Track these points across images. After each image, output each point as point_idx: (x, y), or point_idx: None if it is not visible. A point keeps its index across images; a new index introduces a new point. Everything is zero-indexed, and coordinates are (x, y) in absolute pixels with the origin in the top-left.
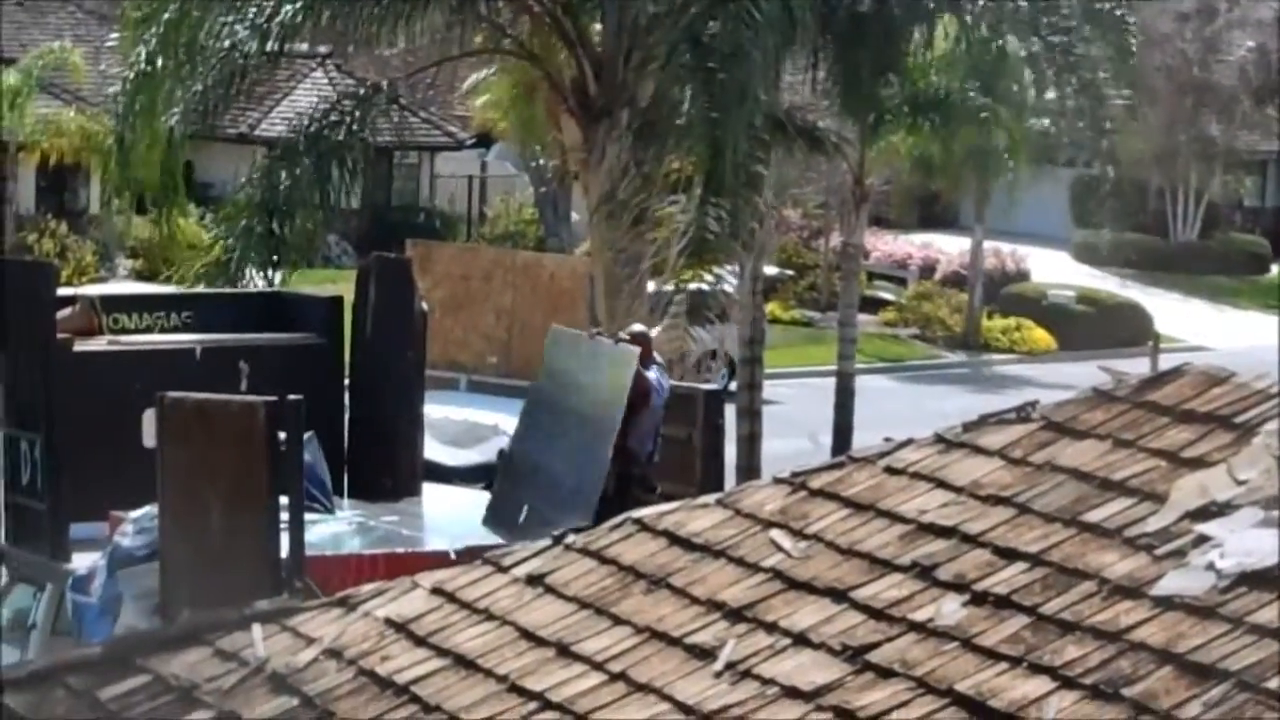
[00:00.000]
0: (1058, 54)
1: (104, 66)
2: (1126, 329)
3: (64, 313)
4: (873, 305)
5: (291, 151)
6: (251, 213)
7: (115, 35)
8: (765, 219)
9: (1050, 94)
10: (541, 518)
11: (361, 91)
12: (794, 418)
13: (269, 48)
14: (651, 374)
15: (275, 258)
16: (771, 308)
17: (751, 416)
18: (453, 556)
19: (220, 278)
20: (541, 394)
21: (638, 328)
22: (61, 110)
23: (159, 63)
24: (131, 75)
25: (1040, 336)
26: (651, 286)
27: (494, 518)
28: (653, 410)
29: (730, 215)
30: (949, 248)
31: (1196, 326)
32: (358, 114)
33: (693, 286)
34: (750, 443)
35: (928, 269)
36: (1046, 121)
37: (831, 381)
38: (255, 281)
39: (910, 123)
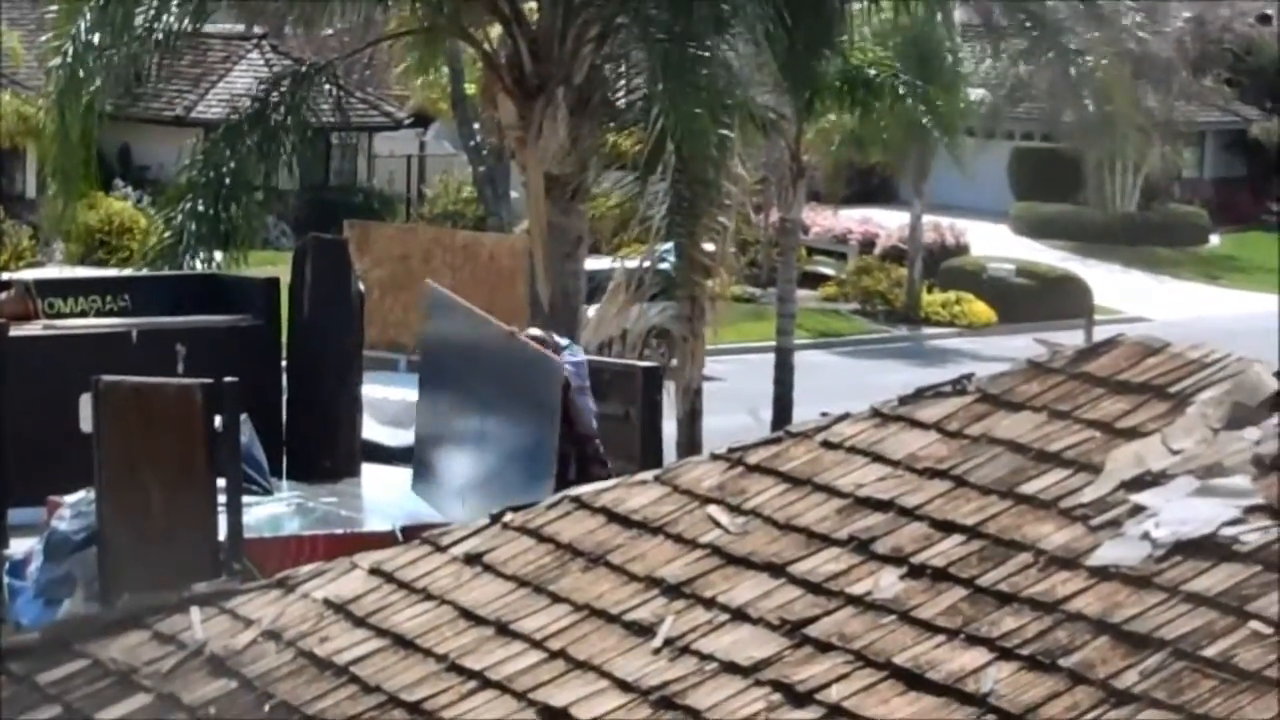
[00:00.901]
0: (1002, 22)
1: (39, 50)
2: (1066, 301)
3: None
4: (813, 280)
5: (234, 132)
6: (197, 194)
7: (52, 11)
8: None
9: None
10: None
11: (301, 71)
12: (734, 394)
13: (189, 26)
14: (566, 356)
15: (223, 239)
16: (710, 284)
17: (691, 393)
18: (398, 536)
19: (168, 261)
20: (443, 365)
21: (535, 332)
22: None
23: (94, 38)
24: (65, 53)
25: (980, 310)
26: (590, 264)
27: (427, 492)
28: (582, 389)
29: (693, 195)
30: (888, 222)
31: (1136, 298)
32: (297, 94)
33: (631, 264)
34: (691, 419)
35: (867, 244)
36: (981, 93)
37: (772, 357)
38: (203, 264)
39: (846, 98)
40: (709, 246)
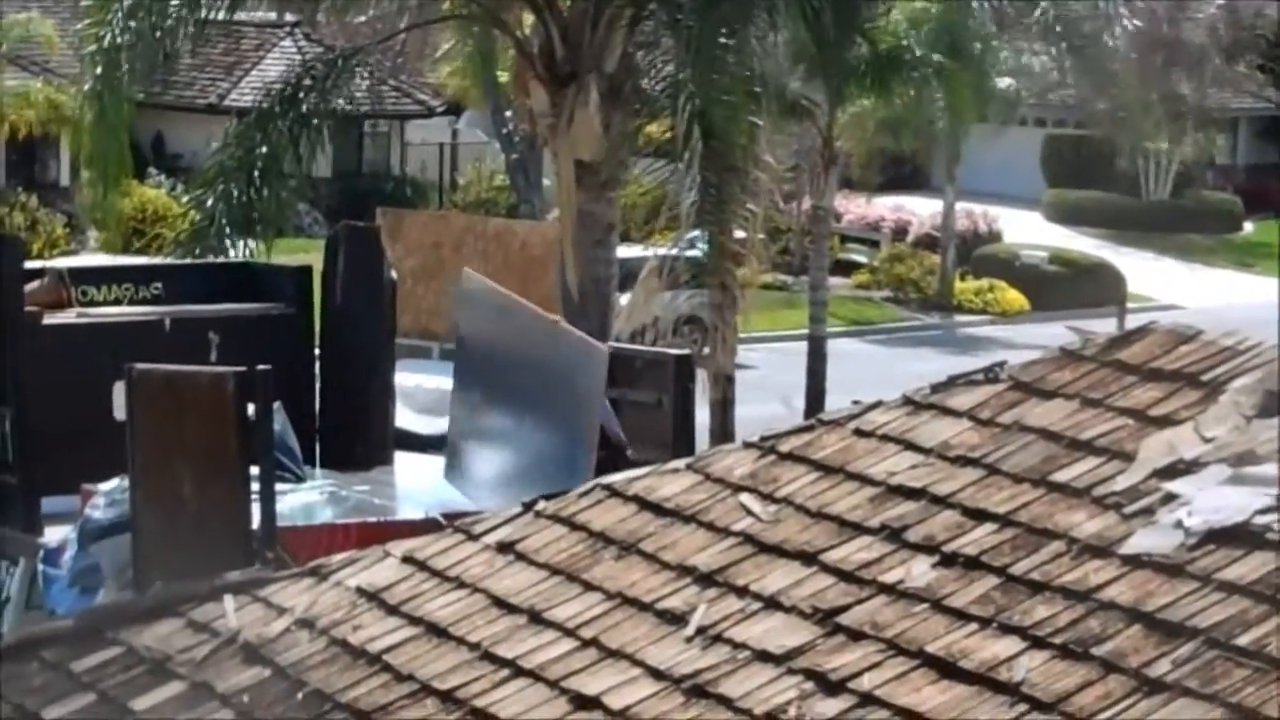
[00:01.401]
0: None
1: (72, 38)
2: (1099, 289)
3: (32, 286)
4: (845, 268)
5: (267, 117)
6: (228, 179)
7: (86, 2)
8: (754, 185)
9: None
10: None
11: (334, 57)
12: (767, 382)
13: (224, 14)
14: None
15: (253, 224)
16: (743, 272)
17: (724, 381)
18: (441, 520)
19: (198, 246)
20: (479, 352)
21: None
22: (30, 82)
23: (131, 24)
24: (102, 41)
25: (1013, 298)
26: (621, 252)
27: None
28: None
29: (721, 181)
30: (921, 210)
31: (1169, 286)
32: (330, 80)
33: (664, 252)
34: (724, 408)
35: (900, 231)
36: (1010, 82)
37: (804, 345)
38: (233, 250)
39: (876, 84)
40: (740, 234)
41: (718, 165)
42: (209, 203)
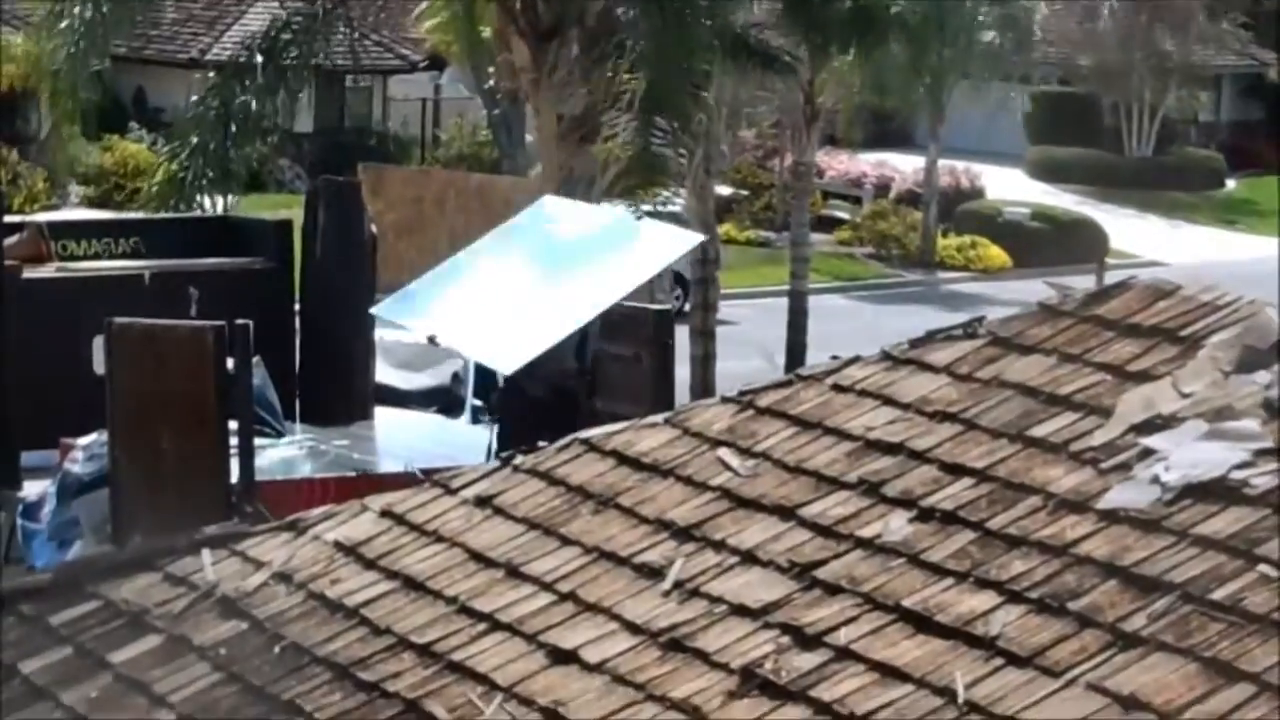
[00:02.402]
0: None
1: None
2: (1082, 246)
3: (12, 240)
4: (828, 224)
5: (245, 69)
6: (205, 131)
7: None
8: (714, 138)
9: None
10: None
11: (314, 11)
12: (749, 338)
13: None
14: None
15: (229, 178)
16: (726, 228)
17: (706, 337)
18: (419, 475)
19: (172, 198)
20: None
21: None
22: (10, 35)
23: None
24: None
25: (995, 254)
26: (604, 206)
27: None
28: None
29: (671, 133)
30: (904, 166)
31: (1152, 242)
32: (311, 33)
33: (643, 207)
34: (705, 363)
35: (882, 188)
36: (992, 35)
37: (786, 301)
38: (208, 203)
39: (857, 41)
40: (724, 190)
41: (690, 118)
42: (184, 155)
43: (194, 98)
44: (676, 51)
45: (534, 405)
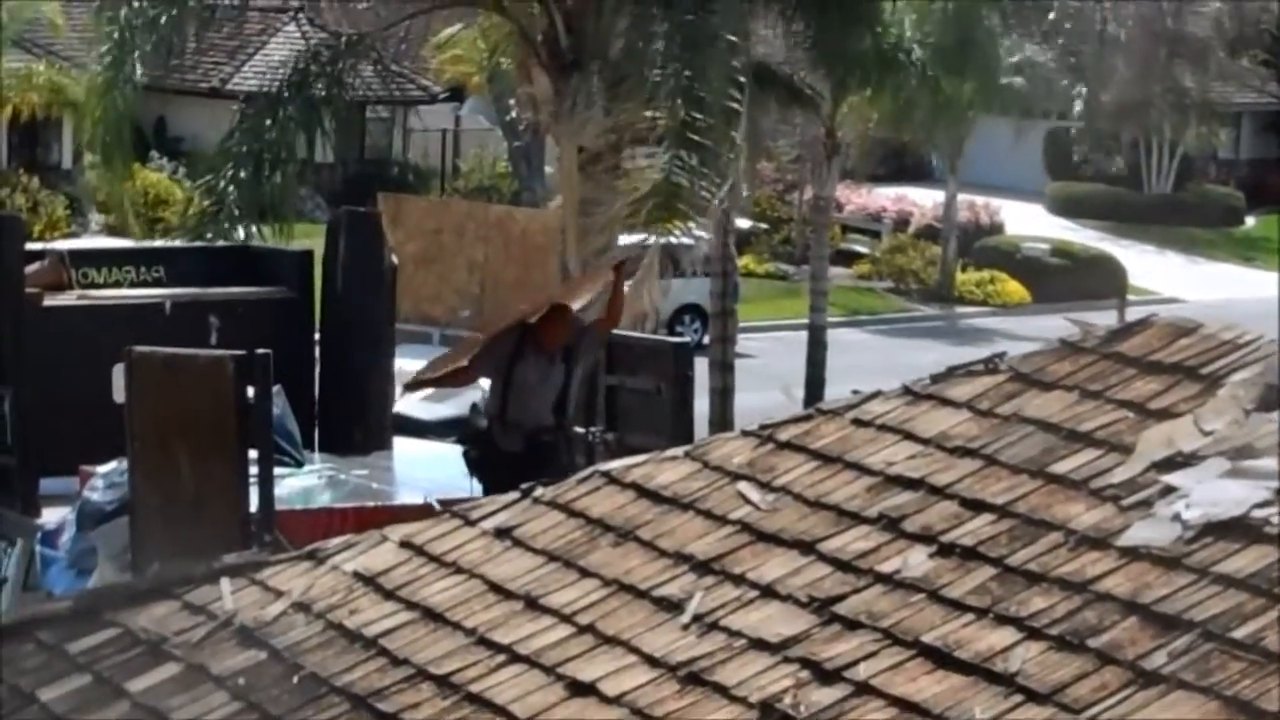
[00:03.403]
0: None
1: (76, 20)
2: (1100, 281)
3: (33, 267)
4: (847, 258)
5: (275, 102)
6: (238, 163)
7: None
8: (736, 172)
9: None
10: None
11: (341, 43)
12: (768, 371)
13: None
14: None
15: (261, 209)
16: (745, 261)
17: (725, 370)
18: (438, 506)
19: (207, 230)
20: None
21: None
22: (33, 64)
23: (142, 4)
24: (116, 23)
25: (1014, 289)
26: (623, 240)
27: None
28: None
29: (699, 168)
30: (923, 200)
31: (1170, 279)
32: (338, 66)
33: (664, 240)
34: (723, 396)
35: (902, 222)
36: (1018, 79)
37: (805, 335)
38: (241, 236)
39: (879, 77)
40: (744, 223)
41: (719, 154)
42: (219, 186)
43: (218, 128)
44: (708, 85)
45: (509, 460)
